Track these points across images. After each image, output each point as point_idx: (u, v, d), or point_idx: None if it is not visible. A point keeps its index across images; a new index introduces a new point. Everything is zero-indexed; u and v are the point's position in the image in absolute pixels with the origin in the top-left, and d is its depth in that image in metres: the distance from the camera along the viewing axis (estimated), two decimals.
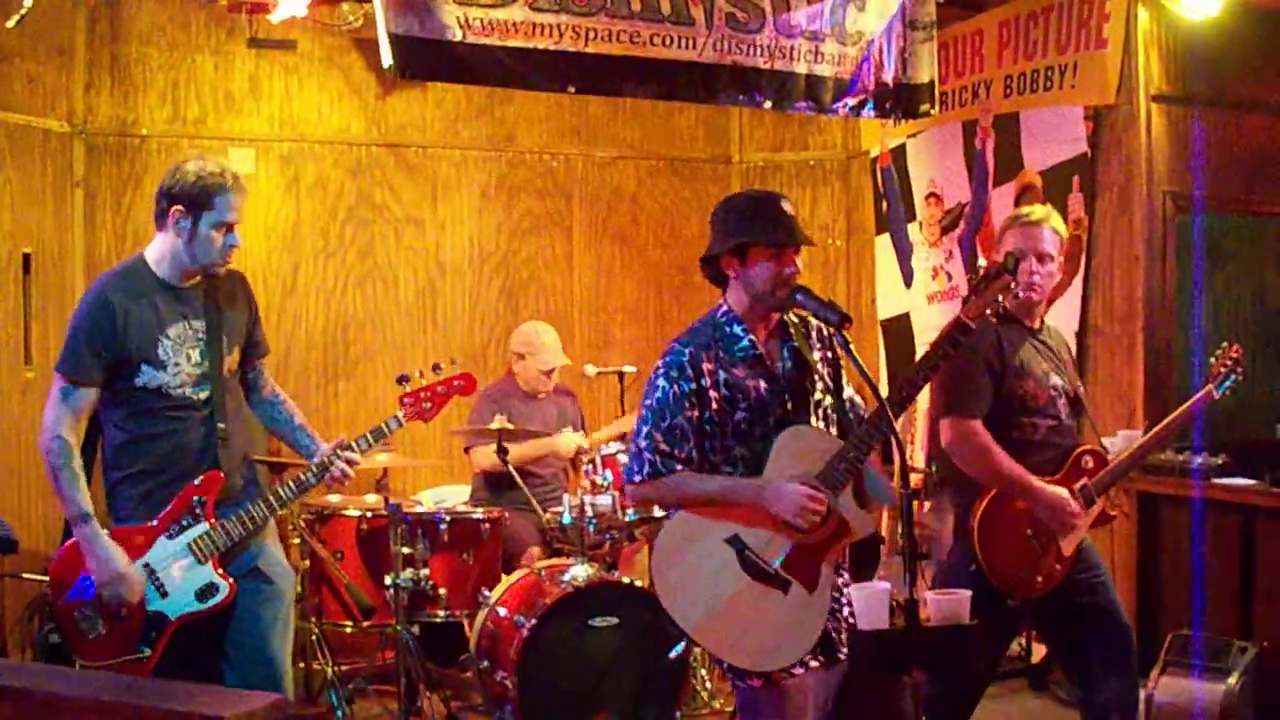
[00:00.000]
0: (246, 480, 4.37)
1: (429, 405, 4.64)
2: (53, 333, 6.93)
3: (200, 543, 4.17)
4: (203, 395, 4.22)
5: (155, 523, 4.16)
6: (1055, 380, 4.62)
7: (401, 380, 4.66)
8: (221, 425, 4.24)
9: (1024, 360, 4.57)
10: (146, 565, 4.13)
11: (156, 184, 7.14)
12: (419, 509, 6.20)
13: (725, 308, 4.01)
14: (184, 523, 4.17)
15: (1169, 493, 6.08)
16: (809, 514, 3.72)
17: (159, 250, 4.23)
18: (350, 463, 4.39)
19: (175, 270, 4.21)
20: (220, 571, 4.20)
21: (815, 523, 3.74)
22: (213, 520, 4.19)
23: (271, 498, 4.30)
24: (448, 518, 6.06)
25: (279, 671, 4.29)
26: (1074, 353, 5.14)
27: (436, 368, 4.71)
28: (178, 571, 4.15)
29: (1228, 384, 4.83)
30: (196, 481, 4.18)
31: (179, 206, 4.15)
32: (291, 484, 4.35)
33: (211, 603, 4.18)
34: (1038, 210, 4.71)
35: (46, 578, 6.12)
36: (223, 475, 4.22)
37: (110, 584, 4.06)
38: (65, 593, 4.16)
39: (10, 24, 5.51)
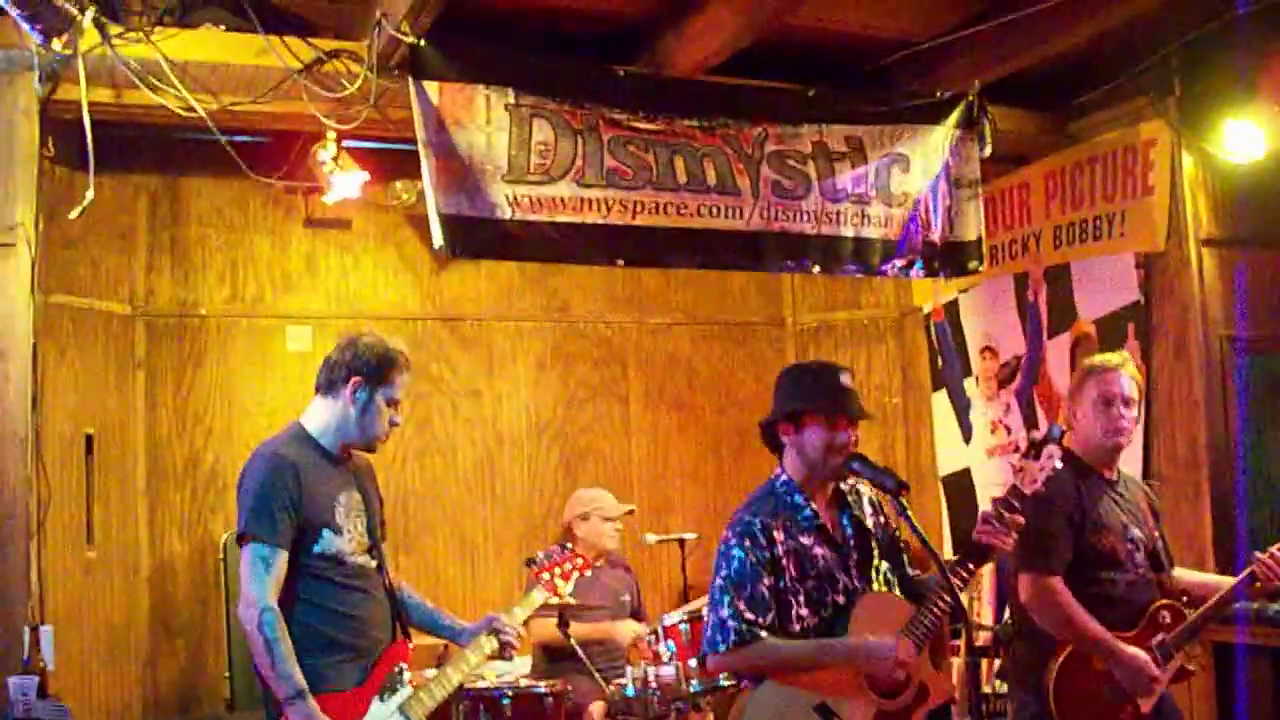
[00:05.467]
0: None
1: (561, 579, 4.86)
2: (114, 513, 6.97)
3: (411, 704, 4.21)
4: (374, 564, 4.29)
5: (363, 687, 4.16)
6: (1134, 533, 4.58)
7: (529, 563, 5.01)
8: (396, 594, 4.36)
9: (1103, 513, 4.54)
10: None
11: (216, 363, 7.35)
12: (481, 684, 6.12)
13: (784, 477, 4.03)
14: (392, 687, 4.21)
15: (1245, 642, 5.92)
16: (906, 665, 3.72)
17: (322, 420, 4.30)
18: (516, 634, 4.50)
19: (337, 441, 4.29)
20: None
21: (911, 669, 3.71)
22: (413, 685, 4.24)
23: (451, 670, 4.36)
24: (510, 692, 5.95)
25: None
26: (1154, 502, 5.00)
27: (560, 549, 5.08)
28: None
29: None
30: (391, 649, 4.25)
31: (359, 378, 4.24)
32: (471, 656, 4.39)
33: None
34: (1112, 357, 4.74)
35: None
36: (409, 644, 4.30)
37: None
38: None
39: (73, 215, 5.66)
